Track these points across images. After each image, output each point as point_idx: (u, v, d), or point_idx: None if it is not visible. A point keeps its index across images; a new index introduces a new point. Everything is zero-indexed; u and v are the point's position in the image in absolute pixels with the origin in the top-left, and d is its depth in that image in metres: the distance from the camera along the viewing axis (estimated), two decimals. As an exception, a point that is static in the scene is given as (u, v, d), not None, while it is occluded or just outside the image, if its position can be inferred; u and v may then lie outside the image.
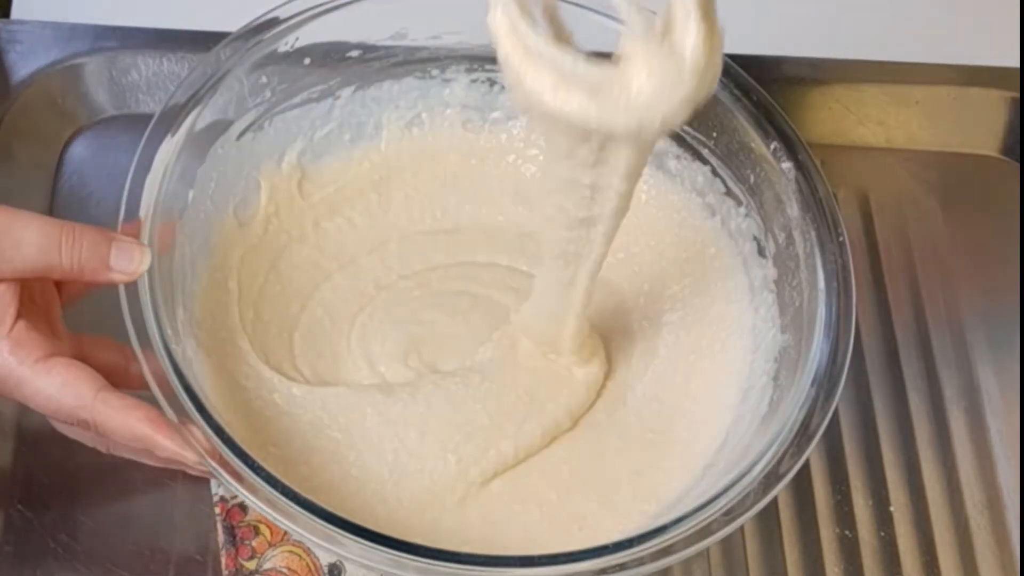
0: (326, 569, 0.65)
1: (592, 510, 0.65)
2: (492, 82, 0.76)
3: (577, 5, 0.70)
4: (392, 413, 0.66)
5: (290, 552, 0.65)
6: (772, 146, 0.68)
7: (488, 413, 0.66)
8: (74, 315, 0.64)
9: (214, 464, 0.56)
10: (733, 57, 0.71)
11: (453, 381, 0.68)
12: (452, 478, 0.65)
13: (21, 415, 0.69)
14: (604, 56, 0.50)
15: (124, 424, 0.57)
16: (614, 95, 0.49)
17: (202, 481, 0.67)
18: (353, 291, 0.73)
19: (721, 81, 0.69)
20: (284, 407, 0.66)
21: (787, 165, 0.68)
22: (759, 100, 0.69)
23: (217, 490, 0.67)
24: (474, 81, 0.76)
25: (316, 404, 0.66)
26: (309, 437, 0.65)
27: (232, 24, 0.69)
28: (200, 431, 0.56)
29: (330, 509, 0.55)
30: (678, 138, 0.73)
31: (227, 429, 0.57)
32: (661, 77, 0.48)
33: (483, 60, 0.75)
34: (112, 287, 0.59)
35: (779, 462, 0.58)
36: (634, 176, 0.56)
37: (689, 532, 0.55)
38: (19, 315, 0.58)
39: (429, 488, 0.64)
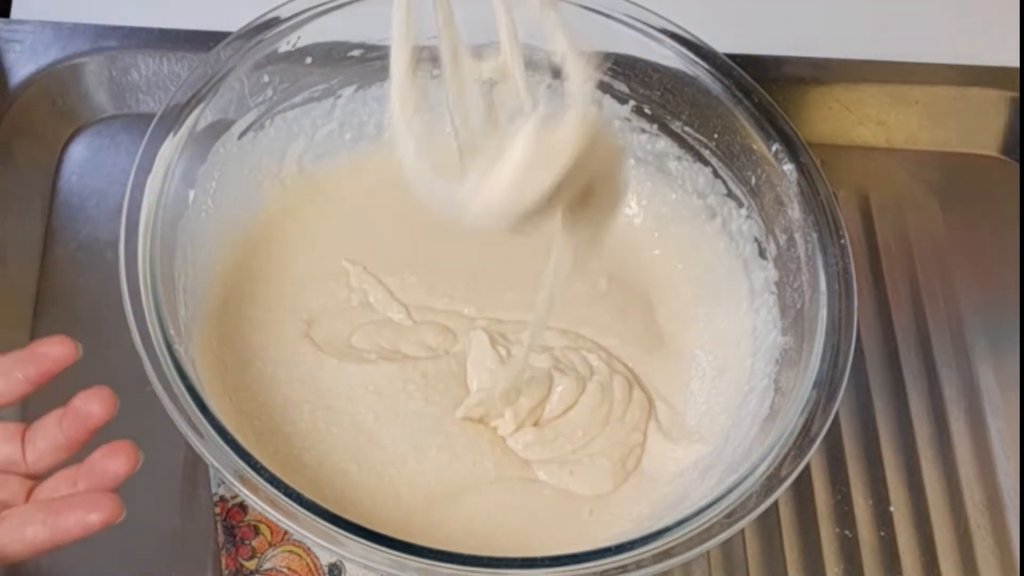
0: (326, 569, 0.65)
1: (598, 500, 0.66)
2: (493, 82, 0.76)
3: (578, 5, 0.70)
4: (387, 407, 0.67)
5: (290, 552, 0.65)
6: (774, 148, 0.68)
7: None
8: (74, 319, 0.64)
9: (216, 464, 0.56)
10: (733, 57, 0.71)
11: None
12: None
13: (21, 415, 0.69)
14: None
15: None
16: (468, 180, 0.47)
17: (202, 481, 0.67)
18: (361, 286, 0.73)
19: (722, 82, 0.70)
20: (295, 400, 0.67)
21: (789, 167, 0.68)
22: (760, 102, 0.69)
23: (217, 490, 0.67)
24: (475, 80, 0.76)
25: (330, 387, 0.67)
26: (313, 431, 0.66)
27: (232, 24, 0.69)
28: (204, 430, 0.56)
29: (331, 508, 0.55)
30: (679, 139, 0.73)
31: (230, 429, 0.57)
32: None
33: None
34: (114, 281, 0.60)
35: (780, 465, 0.58)
36: None
37: (690, 535, 0.55)
38: None
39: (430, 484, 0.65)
